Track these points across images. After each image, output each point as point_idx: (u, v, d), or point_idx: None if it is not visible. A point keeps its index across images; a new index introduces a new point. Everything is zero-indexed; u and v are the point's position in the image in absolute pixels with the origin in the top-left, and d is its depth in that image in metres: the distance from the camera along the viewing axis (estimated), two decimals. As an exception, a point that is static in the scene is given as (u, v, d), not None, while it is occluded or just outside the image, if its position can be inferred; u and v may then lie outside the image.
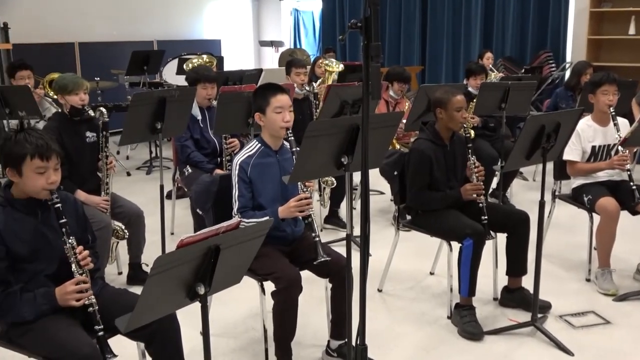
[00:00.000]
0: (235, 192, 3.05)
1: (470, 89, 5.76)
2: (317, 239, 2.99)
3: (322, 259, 2.96)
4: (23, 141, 2.37)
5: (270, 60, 12.12)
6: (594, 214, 4.04)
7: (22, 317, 2.35)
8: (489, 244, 3.60)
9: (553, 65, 9.50)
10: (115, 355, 2.37)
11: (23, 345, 2.39)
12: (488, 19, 10.27)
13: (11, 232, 2.38)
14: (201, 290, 1.97)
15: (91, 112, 3.91)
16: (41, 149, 2.37)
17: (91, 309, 2.40)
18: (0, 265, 2.35)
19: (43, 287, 2.41)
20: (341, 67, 7.35)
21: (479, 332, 3.41)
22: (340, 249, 3.10)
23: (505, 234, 3.68)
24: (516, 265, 3.69)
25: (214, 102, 4.70)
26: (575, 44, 9.42)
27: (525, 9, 9.89)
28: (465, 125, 3.67)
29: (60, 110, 4.03)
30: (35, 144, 2.37)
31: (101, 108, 3.89)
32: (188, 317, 2.50)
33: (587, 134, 4.11)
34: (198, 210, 4.17)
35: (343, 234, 4.94)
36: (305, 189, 3.03)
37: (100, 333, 2.38)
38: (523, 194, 6.17)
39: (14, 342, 2.42)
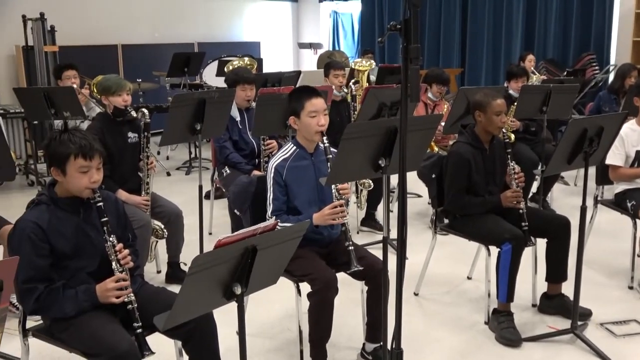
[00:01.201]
0: (270, 195, 3.07)
1: (511, 91, 5.68)
2: (351, 247, 2.99)
3: (355, 269, 2.96)
4: (67, 141, 2.43)
5: (309, 62, 12.16)
6: (637, 220, 3.95)
7: (64, 313, 2.40)
8: (528, 249, 3.54)
9: (596, 67, 9.29)
10: (152, 353, 2.41)
11: (64, 340, 2.44)
12: (530, 21, 10.10)
13: (55, 230, 2.43)
14: (238, 290, 1.99)
15: (133, 113, 3.99)
16: (84, 149, 2.43)
17: (130, 306, 2.44)
18: (44, 263, 2.41)
19: (84, 284, 2.46)
20: (372, 63, 7.35)
21: (516, 338, 3.35)
22: (377, 252, 3.09)
23: (546, 240, 3.62)
24: (556, 271, 3.63)
25: (253, 104, 4.74)
26: (619, 46, 9.20)
27: (568, 10, 9.70)
28: (504, 130, 3.63)
29: (104, 110, 4.11)
30: (78, 144, 2.42)
31: (143, 109, 3.96)
32: (225, 316, 2.53)
33: (631, 138, 4.02)
34: (235, 210, 4.21)
35: (379, 237, 4.91)
36: (339, 197, 3.03)
37: (139, 330, 2.42)
38: (564, 199, 6.05)
39: (56, 336, 2.47)
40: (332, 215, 2.97)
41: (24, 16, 7.39)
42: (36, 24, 7.31)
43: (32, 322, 2.60)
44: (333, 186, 3.02)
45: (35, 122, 6.65)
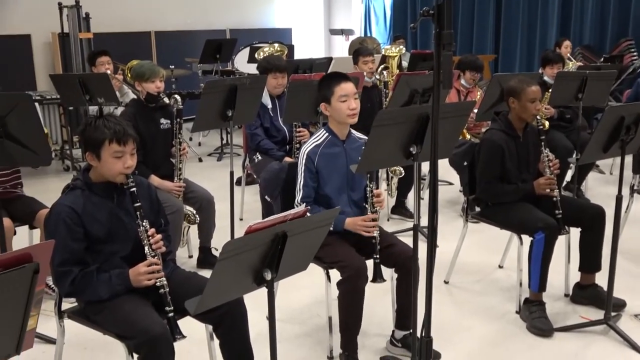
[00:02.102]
0: (300, 182, 3.07)
1: (546, 78, 5.58)
2: (378, 260, 2.98)
3: (379, 282, 2.96)
4: (102, 127, 2.46)
5: (340, 48, 12.11)
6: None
7: (98, 296, 2.45)
8: (561, 238, 3.50)
9: (635, 53, 9.06)
10: (184, 336, 2.44)
11: (98, 322, 2.49)
12: (566, 6, 9.89)
13: (89, 215, 2.47)
14: (268, 276, 2.00)
15: (166, 100, 4.03)
16: (118, 134, 2.46)
17: (162, 290, 2.48)
18: (79, 246, 2.45)
19: (118, 268, 2.50)
20: (402, 49, 7.30)
21: (548, 328, 3.32)
22: (407, 239, 3.08)
23: (579, 229, 3.57)
24: (590, 261, 3.57)
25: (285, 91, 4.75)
26: (659, 32, 8.97)
27: (605, -6, 9.48)
28: (538, 117, 3.57)
29: (137, 96, 4.16)
30: (113, 130, 2.46)
31: (175, 95, 3.99)
32: (255, 302, 2.55)
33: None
34: (266, 197, 4.24)
35: (410, 224, 4.90)
36: (374, 209, 3.02)
37: (171, 314, 2.45)
38: (599, 188, 5.95)
39: (91, 318, 2.52)
40: (364, 227, 2.98)
41: (60, 3, 7.50)
42: (71, 11, 7.41)
43: (68, 304, 2.65)
44: (369, 196, 3.01)
45: (71, 108, 6.76)
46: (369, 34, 12.53)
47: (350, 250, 3.01)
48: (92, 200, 2.51)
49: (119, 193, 2.56)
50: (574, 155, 5.07)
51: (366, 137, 3.00)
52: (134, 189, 2.51)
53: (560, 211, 3.47)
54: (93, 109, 5.37)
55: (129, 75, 4.13)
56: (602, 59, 8.61)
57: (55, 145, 7.03)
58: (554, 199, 3.49)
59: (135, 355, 2.33)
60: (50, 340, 3.16)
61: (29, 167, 3.81)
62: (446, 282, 3.97)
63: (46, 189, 5.71)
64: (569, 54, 7.75)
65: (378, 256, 2.98)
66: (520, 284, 3.57)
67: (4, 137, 2.92)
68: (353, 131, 3.17)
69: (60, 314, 2.61)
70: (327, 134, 3.13)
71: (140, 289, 2.48)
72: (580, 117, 5.25)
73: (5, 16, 7.91)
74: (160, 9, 9.57)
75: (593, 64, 7.76)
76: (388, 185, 5.16)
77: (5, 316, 1.68)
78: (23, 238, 3.76)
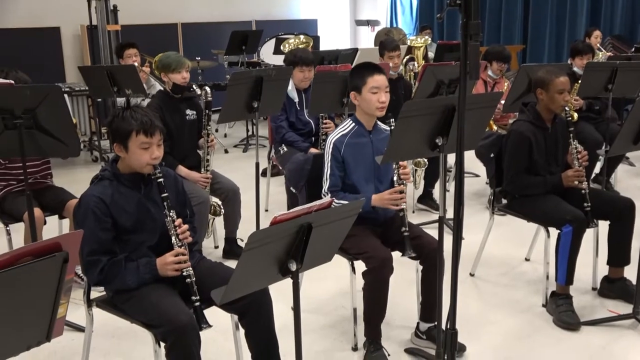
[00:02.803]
0: (327, 171, 3.07)
1: (575, 69, 5.50)
2: (407, 234, 2.97)
3: (409, 255, 2.95)
4: (129, 118, 2.49)
5: (366, 39, 12.05)
6: None
7: (126, 285, 2.48)
8: (589, 231, 3.45)
9: (667, 43, 8.88)
10: (210, 326, 2.46)
11: (126, 310, 2.52)
12: (596, -7, 9.73)
13: (117, 205, 2.51)
14: (293, 266, 2.01)
15: (198, 90, 4.05)
16: (146, 126, 2.48)
17: (189, 280, 2.50)
18: (107, 236, 2.49)
19: (145, 257, 2.53)
20: (428, 39, 7.24)
21: (575, 322, 3.29)
22: (432, 231, 3.07)
23: (608, 222, 3.52)
24: (619, 254, 3.52)
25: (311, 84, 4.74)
26: (693, 21, 8.77)
27: (637, -18, 9.29)
28: (567, 108, 3.52)
29: (164, 87, 4.19)
30: (140, 121, 2.48)
31: (206, 87, 4.01)
32: (280, 292, 2.56)
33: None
34: (291, 188, 4.25)
35: (435, 216, 4.87)
36: (401, 182, 3.01)
37: (197, 303, 2.48)
38: (628, 180, 5.86)
39: (118, 307, 2.56)
40: (391, 200, 2.96)
41: (88, -4, 7.59)
42: (100, 3, 7.48)
43: (96, 293, 2.69)
44: (395, 170, 3.01)
45: (99, 99, 6.84)
46: (394, 25, 12.45)
47: (375, 241, 3.01)
48: (120, 191, 2.54)
49: (146, 184, 2.59)
50: (603, 147, 4.99)
51: (388, 129, 3.00)
52: (161, 179, 2.54)
53: (589, 204, 3.42)
54: (121, 101, 5.43)
55: (155, 67, 4.16)
56: (633, 49, 8.44)
57: (84, 136, 7.13)
58: (583, 191, 3.44)
59: (162, 344, 2.36)
60: (79, 328, 3.22)
61: (58, 157, 3.86)
62: (472, 275, 3.95)
63: (75, 179, 5.81)
64: (598, 44, 7.61)
65: (407, 229, 2.97)
66: (547, 277, 3.54)
67: (34, 128, 2.97)
68: (379, 122, 3.16)
69: (89, 303, 2.65)
70: (353, 124, 3.12)
71: (167, 279, 2.51)
72: (610, 108, 5.17)
73: (35, 9, 8.02)
74: (186, 1, 9.62)
75: (624, 54, 7.62)
76: (413, 177, 5.13)
77: (36, 304, 1.71)
78: (53, 228, 3.83)
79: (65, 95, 4.02)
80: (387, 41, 5.65)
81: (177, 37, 9.42)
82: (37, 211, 3.43)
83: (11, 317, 1.65)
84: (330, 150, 3.07)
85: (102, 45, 7.51)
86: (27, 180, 3.14)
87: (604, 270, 3.64)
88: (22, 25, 7.85)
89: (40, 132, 2.99)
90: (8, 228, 3.66)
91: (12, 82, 3.52)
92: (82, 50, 8.48)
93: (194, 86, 4.06)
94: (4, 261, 1.55)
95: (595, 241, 3.69)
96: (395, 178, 3.02)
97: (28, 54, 7.74)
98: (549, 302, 3.47)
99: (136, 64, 5.57)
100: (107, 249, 2.49)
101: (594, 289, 3.70)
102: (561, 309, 3.34)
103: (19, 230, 3.65)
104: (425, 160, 4.87)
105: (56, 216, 3.78)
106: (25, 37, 7.88)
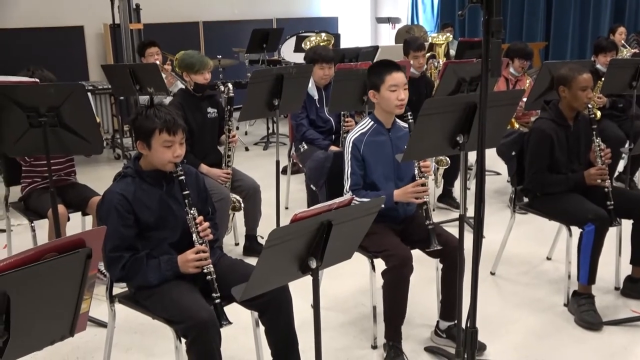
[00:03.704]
0: (348, 170, 3.07)
1: (598, 66, 5.44)
2: (432, 226, 2.96)
3: (435, 248, 2.94)
4: (153, 116, 2.51)
5: (387, 37, 12.01)
6: None
7: (147, 281, 2.51)
8: (612, 230, 3.42)
9: (694, 40, 8.73)
10: (230, 322, 2.48)
11: (148, 307, 2.55)
12: (621, -10, 9.58)
13: (139, 202, 2.53)
14: (313, 264, 2.02)
15: (221, 87, 4.08)
16: (169, 124, 2.51)
17: (209, 277, 2.52)
18: (130, 232, 2.52)
19: (166, 254, 2.56)
20: (449, 37, 7.19)
21: (597, 322, 3.26)
22: (453, 230, 3.06)
23: (632, 221, 3.48)
24: (642, 254, 3.48)
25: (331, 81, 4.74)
26: None
27: (663, -22, 9.13)
28: (590, 106, 3.48)
29: (186, 85, 4.23)
30: (163, 119, 2.51)
31: (229, 84, 4.04)
32: (300, 289, 2.57)
33: None
34: (312, 185, 4.25)
35: (456, 215, 4.84)
36: (422, 175, 3.00)
37: (217, 300, 2.50)
38: (653, 179, 5.77)
39: (140, 303, 2.59)
40: (414, 193, 2.95)
41: (111, -5, 7.67)
42: (123, 2, 7.54)
43: (118, 289, 2.72)
44: (415, 164, 3.00)
45: (122, 97, 6.90)
46: (415, 22, 12.40)
47: (395, 239, 3.01)
48: (143, 188, 2.56)
49: (168, 181, 2.61)
50: (627, 145, 4.93)
51: (407, 126, 2.99)
52: (182, 177, 2.56)
53: (612, 202, 3.38)
54: (143, 99, 5.47)
55: (177, 65, 4.20)
56: (658, 46, 8.32)
57: (107, 134, 7.21)
58: (605, 189, 3.41)
59: (183, 340, 2.39)
60: (101, 324, 3.26)
61: (81, 155, 3.91)
62: (492, 274, 3.93)
63: (98, 176, 5.87)
64: (623, 41, 7.51)
65: (432, 222, 2.97)
66: (569, 277, 3.51)
67: (58, 125, 3.01)
68: (398, 120, 3.15)
69: (112, 299, 2.68)
70: (372, 122, 3.12)
71: (188, 275, 2.54)
72: (635, 105, 5.10)
73: (59, 9, 8.11)
74: (208, -1, 9.68)
75: (649, 51, 7.50)
76: (434, 175, 5.11)
77: (60, 299, 1.74)
78: (76, 224, 3.88)
79: (89, 94, 4.08)
80: (412, 40, 5.53)
81: (198, 36, 9.47)
82: (61, 208, 3.48)
83: (36, 312, 1.68)
84: (350, 149, 3.07)
85: (125, 44, 7.58)
86: (51, 177, 3.18)
87: (627, 269, 3.61)
88: (46, 24, 7.95)
89: (64, 130, 3.04)
90: (33, 224, 3.71)
91: (38, 80, 3.57)
92: (105, 48, 8.57)
93: (218, 83, 4.09)
94: (29, 257, 1.58)
95: (618, 240, 3.65)
96: (416, 172, 3.02)
97: (53, 53, 7.83)
98: (570, 301, 3.44)
99: (158, 62, 5.61)
100: (129, 245, 2.52)
101: (616, 288, 3.66)
102: (583, 309, 3.31)
103: (43, 227, 3.71)
104: (448, 159, 4.84)
105: (79, 213, 3.83)
106: (50, 36, 7.97)
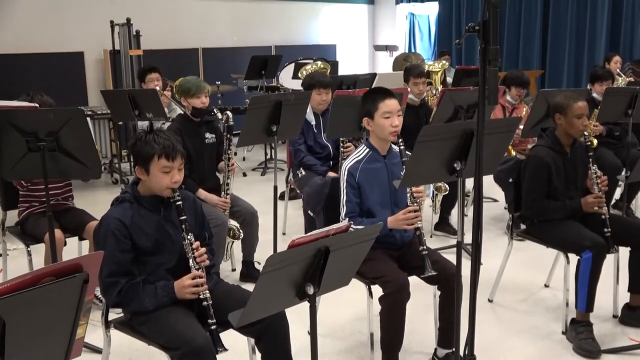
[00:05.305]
0: (344, 198, 3.08)
1: (595, 95, 5.47)
2: (425, 252, 2.96)
3: (429, 274, 2.93)
4: (152, 142, 2.53)
5: (385, 64, 12.12)
6: None
7: (143, 307, 2.49)
8: (609, 258, 3.41)
9: (688, 68, 8.82)
10: (226, 349, 2.46)
11: (143, 332, 2.54)
12: (615, 20, 9.66)
13: (137, 227, 2.53)
14: (310, 290, 2.01)
15: (219, 115, 4.10)
16: (167, 150, 2.52)
17: (206, 302, 2.51)
18: (126, 258, 2.51)
19: (163, 279, 2.55)
20: (445, 64, 7.26)
21: (596, 350, 3.24)
22: (450, 257, 3.05)
23: (629, 248, 3.48)
24: (640, 281, 3.47)
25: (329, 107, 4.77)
26: None
27: (657, 7, 9.25)
28: (586, 133, 3.51)
29: (184, 111, 4.25)
30: (162, 145, 2.52)
31: (227, 112, 4.05)
32: (297, 316, 2.56)
33: None
34: (309, 211, 4.25)
35: (453, 241, 4.85)
36: (414, 201, 3.01)
37: (213, 327, 2.48)
38: (650, 207, 5.78)
39: (136, 329, 2.57)
40: (406, 220, 2.95)
41: (112, 22, 7.74)
42: (123, 29, 7.63)
43: (114, 314, 2.71)
44: (408, 189, 3.01)
45: (120, 122, 6.93)
46: (413, 50, 12.52)
47: (392, 265, 3.00)
48: (140, 213, 2.56)
49: (165, 206, 2.61)
50: (623, 173, 4.94)
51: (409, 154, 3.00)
52: (179, 202, 2.56)
53: (609, 229, 3.39)
54: (142, 124, 5.50)
55: (176, 91, 4.22)
56: (653, 75, 8.40)
57: (105, 158, 7.22)
58: (603, 217, 3.41)
59: (179, 366, 2.37)
60: (96, 350, 3.23)
61: (79, 179, 3.91)
62: (490, 301, 3.91)
63: (95, 201, 5.87)
64: (618, 70, 7.58)
65: (425, 247, 2.96)
66: (567, 304, 3.50)
67: (56, 150, 3.02)
68: (394, 146, 3.17)
69: (107, 324, 2.67)
70: (367, 149, 3.13)
71: (184, 301, 2.52)
72: (630, 133, 5.13)
73: (60, 35, 8.18)
74: (207, 26, 9.77)
75: (644, 80, 7.57)
76: (433, 201, 5.12)
77: (56, 324, 1.73)
78: (73, 249, 3.87)
79: (88, 119, 4.09)
80: (413, 67, 5.55)
81: (198, 62, 9.54)
82: (58, 232, 3.47)
83: (31, 337, 1.67)
84: (345, 177, 3.07)
85: (124, 70, 7.64)
86: (49, 201, 3.18)
87: (624, 297, 3.59)
88: (47, 50, 8.01)
89: (62, 155, 3.04)
90: (29, 249, 3.70)
91: (37, 105, 3.59)
92: (104, 74, 8.62)
93: (214, 110, 4.11)
94: (26, 281, 1.57)
95: (615, 267, 3.65)
96: (408, 198, 3.02)
97: (53, 78, 7.88)
98: (569, 329, 3.43)
99: (158, 88, 5.65)
100: (126, 270, 2.51)
101: (614, 316, 3.65)
102: (581, 337, 3.29)
103: (39, 251, 3.69)
104: (446, 185, 4.85)
105: (76, 237, 3.82)
106: (51, 61, 8.03)
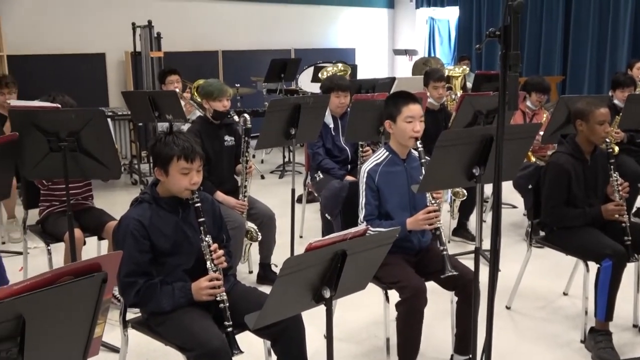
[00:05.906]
0: (362, 200, 3.08)
1: (616, 101, 5.42)
2: (445, 252, 2.94)
3: (450, 274, 2.91)
4: (171, 143, 2.54)
5: (404, 69, 12.10)
6: None
7: (161, 308, 2.51)
8: (630, 266, 3.37)
9: None
10: (241, 351, 2.47)
11: (160, 333, 2.55)
12: (637, 25, 9.56)
13: (155, 227, 2.55)
14: (327, 293, 2.01)
15: (236, 118, 4.12)
16: (187, 151, 2.53)
17: (222, 304, 2.52)
18: (145, 258, 2.53)
19: (180, 280, 2.56)
20: (466, 69, 7.22)
21: (615, 359, 3.19)
22: (468, 262, 3.03)
23: (650, 257, 3.44)
24: (661, 291, 3.43)
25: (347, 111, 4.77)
26: None
27: (681, 13, 9.13)
28: (608, 140, 3.47)
29: (203, 114, 4.27)
30: (182, 146, 2.53)
31: (245, 114, 4.07)
32: (313, 319, 2.56)
33: None
34: (327, 215, 4.26)
35: (471, 247, 4.81)
36: (433, 201, 2.99)
37: (230, 329, 2.49)
38: (672, 215, 5.71)
39: (153, 329, 2.59)
40: (426, 220, 2.94)
41: (133, 24, 7.81)
42: (144, 31, 7.69)
43: (132, 314, 2.73)
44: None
45: (140, 124, 6.98)
46: (432, 55, 12.49)
47: (409, 270, 2.99)
48: (159, 214, 2.58)
49: (184, 208, 2.63)
50: (645, 181, 4.89)
51: (427, 158, 2.99)
52: (198, 204, 2.57)
53: (630, 238, 3.35)
54: (162, 125, 5.53)
55: (195, 93, 4.24)
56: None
57: (125, 159, 7.27)
58: (623, 224, 3.37)
59: (195, 367, 2.38)
60: (113, 349, 3.26)
61: (99, 179, 3.94)
62: (508, 308, 3.88)
63: (114, 201, 5.92)
64: (640, 76, 7.49)
65: (446, 247, 2.94)
66: (586, 312, 3.46)
67: (77, 150, 3.05)
68: (413, 150, 3.16)
69: (125, 324, 2.68)
70: (387, 152, 3.13)
71: (201, 302, 2.53)
72: (653, 141, 5.08)
73: (82, 36, 8.27)
74: (228, 29, 9.81)
75: (667, 87, 7.47)
76: (451, 207, 5.09)
77: (74, 322, 1.74)
78: (92, 248, 3.90)
79: (108, 119, 4.12)
80: (433, 71, 5.54)
81: (217, 64, 9.59)
82: (77, 232, 3.50)
83: (50, 335, 1.68)
84: (365, 179, 3.07)
85: (145, 71, 7.70)
86: (69, 201, 3.21)
87: (645, 307, 3.55)
88: (69, 51, 8.09)
89: (83, 155, 3.07)
90: (49, 247, 3.74)
91: (59, 105, 3.63)
92: (125, 75, 8.70)
93: (231, 113, 4.12)
94: (46, 279, 1.59)
95: (636, 276, 3.60)
96: (428, 198, 3.01)
97: (75, 79, 7.96)
98: (587, 338, 3.39)
99: (178, 89, 5.68)
100: (144, 270, 2.52)
101: (634, 326, 3.60)
102: (600, 346, 3.25)
103: (59, 250, 3.73)
104: (464, 191, 4.83)
105: (95, 237, 3.85)
106: (73, 62, 8.11)
